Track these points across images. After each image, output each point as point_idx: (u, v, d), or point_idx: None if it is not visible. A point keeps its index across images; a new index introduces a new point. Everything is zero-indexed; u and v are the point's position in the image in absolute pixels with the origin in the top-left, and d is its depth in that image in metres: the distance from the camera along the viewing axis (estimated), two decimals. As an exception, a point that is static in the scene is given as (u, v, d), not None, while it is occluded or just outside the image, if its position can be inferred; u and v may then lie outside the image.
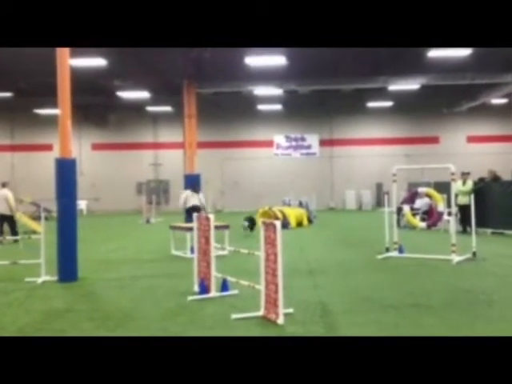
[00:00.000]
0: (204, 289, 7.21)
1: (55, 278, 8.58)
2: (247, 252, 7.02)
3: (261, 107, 29.91)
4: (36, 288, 8.10)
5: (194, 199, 15.70)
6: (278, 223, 5.79)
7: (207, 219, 7.49)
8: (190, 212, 15.82)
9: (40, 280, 8.52)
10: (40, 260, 8.70)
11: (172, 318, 6.11)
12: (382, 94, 27.76)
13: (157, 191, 30.09)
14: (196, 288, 7.45)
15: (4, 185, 14.89)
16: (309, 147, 31.24)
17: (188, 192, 16.11)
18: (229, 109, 29.91)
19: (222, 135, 30.88)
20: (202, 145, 25.73)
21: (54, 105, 22.96)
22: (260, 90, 24.85)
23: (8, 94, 25.79)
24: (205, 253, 7.48)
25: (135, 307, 6.68)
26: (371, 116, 30.56)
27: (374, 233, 14.67)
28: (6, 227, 14.50)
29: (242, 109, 29.97)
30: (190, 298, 7.03)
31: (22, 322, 6.05)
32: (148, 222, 22.13)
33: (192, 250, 10.76)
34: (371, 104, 29.68)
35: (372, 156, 30.75)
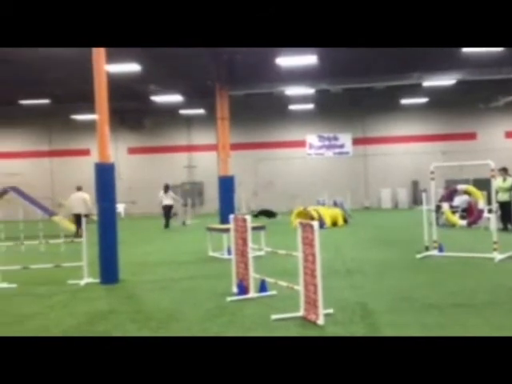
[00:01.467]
0: (243, 290, 7.25)
1: (97, 280, 8.77)
2: (285, 253, 7.02)
3: (293, 107, 29.85)
4: (79, 290, 8.29)
5: (166, 199, 20.49)
6: (315, 224, 5.78)
7: (244, 220, 7.53)
8: (164, 210, 20.49)
9: (82, 282, 8.72)
10: (82, 263, 8.90)
11: (212, 319, 6.16)
12: (416, 90, 27.32)
13: (191, 193, 30.36)
14: (234, 289, 7.50)
15: (79, 188, 17.23)
16: (342, 146, 31.01)
17: (161, 193, 20.71)
18: (261, 110, 29.95)
19: (255, 136, 30.95)
20: (236, 146, 25.83)
21: (90, 110, 23.49)
22: (291, 90, 24.80)
23: (45, 101, 26.45)
24: (242, 254, 7.52)
25: (176, 308, 6.76)
26: (405, 113, 30.13)
27: (412, 232, 14.47)
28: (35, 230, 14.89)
29: (274, 109, 29.97)
30: (229, 298, 7.08)
31: (67, 324, 6.20)
32: (184, 224, 22.36)
33: (229, 251, 10.84)
34: (405, 101, 29.26)
35: (407, 154, 30.31)
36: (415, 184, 29.67)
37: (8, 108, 27.95)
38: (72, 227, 17.23)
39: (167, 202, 20.54)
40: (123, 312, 6.69)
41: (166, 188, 20.69)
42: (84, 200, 16.71)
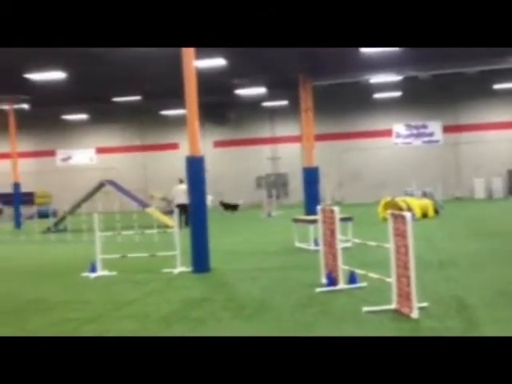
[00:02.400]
0: (332, 281, 7.24)
1: (189, 269, 9.11)
2: (375, 244, 6.93)
3: (378, 96, 29.12)
4: (173, 278, 8.67)
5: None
6: (408, 214, 5.67)
7: (332, 211, 7.50)
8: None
9: (176, 271, 9.10)
10: (175, 252, 9.28)
11: (303, 309, 6.22)
12: (511, 74, 25.70)
13: (276, 185, 30.58)
14: (323, 280, 7.51)
15: (181, 181, 18.43)
16: (431, 135, 29.88)
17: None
18: (345, 99, 29.52)
19: (340, 126, 30.59)
20: (320, 137, 25.66)
21: (178, 105, 24.01)
22: (377, 78, 24.19)
23: (137, 98, 27.61)
24: (330, 245, 7.51)
25: (266, 298, 6.88)
26: (500, 98, 28.48)
27: (509, 223, 13.72)
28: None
29: (359, 98, 29.41)
30: (319, 289, 7.10)
31: (164, 310, 6.50)
32: (269, 215, 22.60)
33: (316, 243, 10.85)
34: (499, 86, 27.63)
35: (502, 141, 28.67)
36: (511, 173, 28.05)
37: (103, 105, 29.47)
38: (164, 218, 17.98)
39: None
40: (216, 300, 6.91)
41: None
42: (185, 192, 17.21)
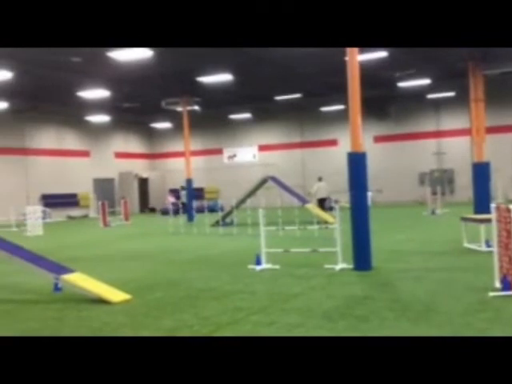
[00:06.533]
0: (507, 285, 6.69)
1: (351, 266, 9.08)
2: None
3: (562, 82, 26.01)
4: (334, 275, 8.71)
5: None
6: None
7: (508, 210, 6.93)
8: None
9: (337, 267, 9.12)
10: (336, 248, 9.32)
11: (474, 313, 5.85)
12: None
13: (441, 181, 29.01)
14: (497, 284, 6.97)
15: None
16: None
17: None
18: (521, 88, 26.90)
19: (514, 117, 27.98)
20: (491, 130, 23.73)
21: (337, 101, 24.05)
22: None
23: (298, 96, 28.19)
24: (506, 247, 6.94)
25: (433, 300, 6.60)
26: None
27: None
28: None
29: (539, 86, 26.58)
30: (492, 294, 6.62)
31: (327, 305, 6.58)
32: (433, 213, 21.53)
33: (488, 244, 10.11)
34: None
35: None
36: None
37: (266, 104, 30.61)
38: (323, 215, 18.15)
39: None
40: (379, 299, 6.80)
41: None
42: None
